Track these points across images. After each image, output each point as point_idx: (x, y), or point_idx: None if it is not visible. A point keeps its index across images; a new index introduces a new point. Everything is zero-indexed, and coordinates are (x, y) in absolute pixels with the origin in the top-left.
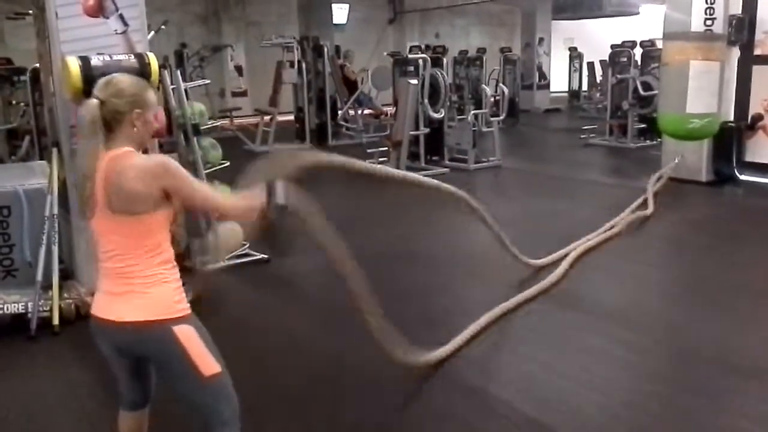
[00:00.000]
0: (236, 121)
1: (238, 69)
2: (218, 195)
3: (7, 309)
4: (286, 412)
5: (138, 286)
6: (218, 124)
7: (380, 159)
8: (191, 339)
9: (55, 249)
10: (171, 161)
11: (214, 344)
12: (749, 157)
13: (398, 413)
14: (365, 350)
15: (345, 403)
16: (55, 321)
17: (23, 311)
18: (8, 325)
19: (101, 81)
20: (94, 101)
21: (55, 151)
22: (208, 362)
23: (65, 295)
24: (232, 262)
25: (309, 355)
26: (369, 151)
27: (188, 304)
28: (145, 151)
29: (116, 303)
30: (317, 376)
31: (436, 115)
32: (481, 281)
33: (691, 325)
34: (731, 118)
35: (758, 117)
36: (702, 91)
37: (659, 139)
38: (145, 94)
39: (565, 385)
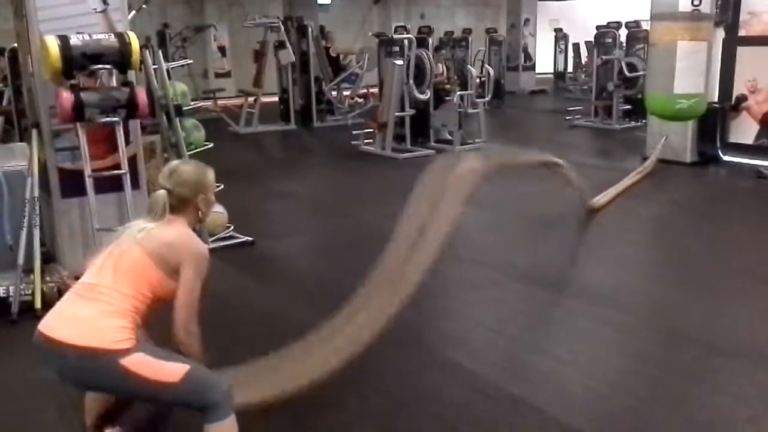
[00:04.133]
0: (220, 102)
1: (222, 49)
2: (193, 324)
3: None
4: None
5: (99, 314)
6: (201, 105)
7: (365, 141)
8: (143, 363)
9: (37, 232)
10: (206, 258)
11: (167, 351)
12: (733, 138)
13: (381, 393)
14: None
15: (329, 382)
16: (37, 304)
17: (4, 295)
18: None
19: (166, 170)
20: (162, 192)
21: (35, 132)
22: (171, 371)
23: (47, 278)
24: (216, 245)
25: (296, 334)
26: (354, 132)
27: (135, 340)
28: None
29: (70, 324)
30: None
31: (421, 96)
32: (466, 263)
33: (677, 306)
34: (716, 99)
35: (742, 98)
36: (689, 71)
37: (644, 121)
38: (206, 179)
39: (551, 365)
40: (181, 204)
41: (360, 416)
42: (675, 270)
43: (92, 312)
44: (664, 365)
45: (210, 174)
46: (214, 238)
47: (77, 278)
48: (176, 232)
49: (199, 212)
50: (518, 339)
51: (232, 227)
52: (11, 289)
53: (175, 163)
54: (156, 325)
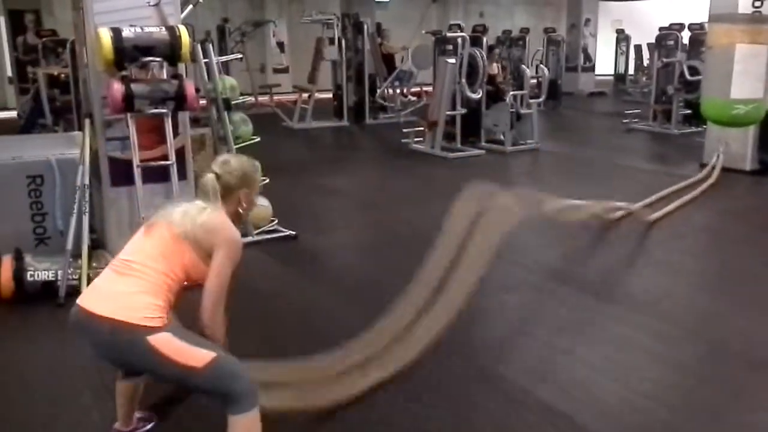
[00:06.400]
0: (276, 97)
1: (280, 45)
2: (220, 309)
3: (38, 276)
4: None
5: (133, 289)
6: (251, 99)
7: (415, 139)
8: (169, 343)
9: (86, 218)
10: (240, 247)
11: (197, 337)
12: None
13: (410, 395)
14: None
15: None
16: (83, 289)
17: (53, 278)
18: (38, 292)
19: (218, 158)
20: (211, 175)
21: (87, 122)
22: (196, 356)
23: (94, 264)
24: (260, 237)
25: (334, 330)
26: (405, 130)
27: (166, 319)
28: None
29: (105, 299)
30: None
31: (473, 96)
32: (504, 263)
33: (722, 318)
34: None
35: None
36: (748, 75)
37: (704, 126)
38: (255, 174)
39: (585, 372)
40: (225, 192)
41: (388, 419)
42: (724, 281)
43: (127, 287)
44: (703, 378)
45: (258, 172)
46: (258, 231)
47: None
48: (214, 216)
49: (240, 207)
50: (553, 344)
51: (276, 221)
52: (59, 273)
53: (229, 154)
54: (184, 311)
